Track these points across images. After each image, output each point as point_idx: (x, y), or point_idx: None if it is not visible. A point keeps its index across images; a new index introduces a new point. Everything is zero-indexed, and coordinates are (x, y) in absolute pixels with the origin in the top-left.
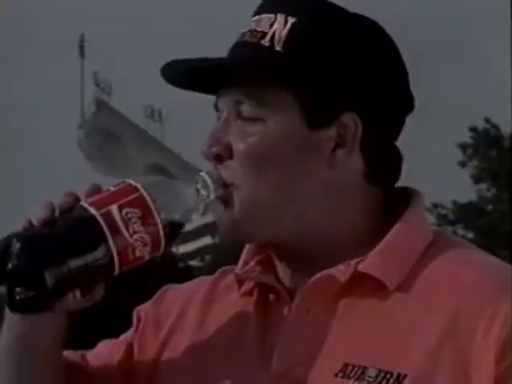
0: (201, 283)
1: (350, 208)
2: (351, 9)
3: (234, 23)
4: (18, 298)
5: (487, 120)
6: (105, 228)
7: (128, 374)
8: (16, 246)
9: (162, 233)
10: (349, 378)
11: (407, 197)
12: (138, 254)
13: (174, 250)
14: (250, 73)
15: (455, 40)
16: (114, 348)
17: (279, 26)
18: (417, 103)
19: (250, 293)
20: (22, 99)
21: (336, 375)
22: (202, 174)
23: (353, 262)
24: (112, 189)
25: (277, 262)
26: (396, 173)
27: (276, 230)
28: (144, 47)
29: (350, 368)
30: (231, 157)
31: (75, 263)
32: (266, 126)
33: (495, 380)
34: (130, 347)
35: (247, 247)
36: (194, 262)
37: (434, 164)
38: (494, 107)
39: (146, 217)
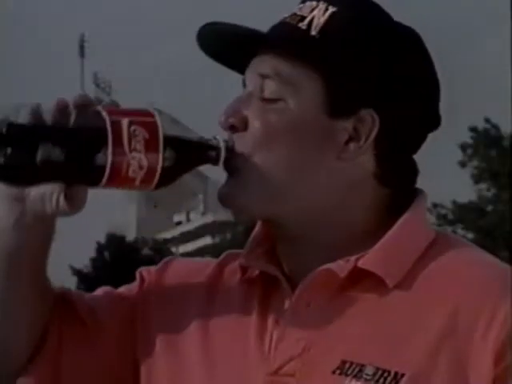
0: (208, 264)
1: (355, 203)
2: None
3: (234, 22)
4: (2, 161)
5: (487, 120)
6: (109, 134)
7: (125, 332)
8: (21, 114)
9: (160, 165)
10: (346, 376)
11: (411, 196)
12: (130, 173)
13: (173, 250)
14: (282, 49)
15: (455, 40)
16: (116, 302)
17: (319, 13)
18: None
19: (253, 281)
20: (22, 99)
21: (333, 372)
22: (218, 137)
23: (353, 258)
24: (130, 108)
25: (281, 255)
26: (408, 182)
27: (276, 208)
28: (144, 47)
29: (347, 365)
30: (245, 129)
31: (70, 153)
32: (286, 105)
33: (493, 381)
34: (132, 308)
35: (253, 235)
36: None
37: (434, 164)
38: (493, 107)
39: (151, 142)
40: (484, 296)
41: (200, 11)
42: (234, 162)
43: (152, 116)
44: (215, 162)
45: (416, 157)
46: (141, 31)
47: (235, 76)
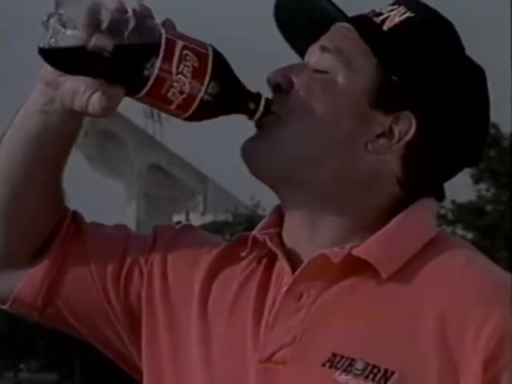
0: (219, 243)
1: (369, 198)
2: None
3: (234, 22)
4: (53, 42)
5: None
6: (162, 48)
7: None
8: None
9: (200, 96)
10: (336, 369)
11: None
12: (170, 94)
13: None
14: (350, 29)
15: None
16: (125, 250)
17: (396, 14)
18: None
19: (258, 263)
20: (22, 99)
21: (323, 365)
22: (262, 95)
23: (347, 246)
24: (188, 35)
25: (287, 236)
26: (428, 195)
27: (294, 173)
28: None
29: (338, 358)
30: (288, 92)
31: (121, 51)
32: (334, 79)
33: None
34: (139, 268)
35: (268, 217)
36: None
37: None
38: (493, 107)
39: (199, 72)
40: (475, 301)
41: (200, 11)
42: (267, 119)
43: (207, 49)
44: (252, 113)
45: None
46: None
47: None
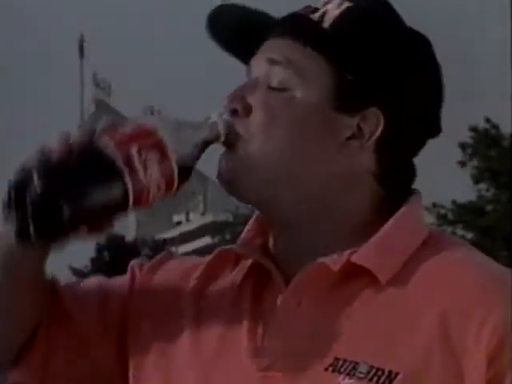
0: (199, 262)
1: (351, 199)
2: None
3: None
4: (31, 228)
5: (487, 120)
6: (124, 168)
7: (113, 329)
8: (34, 177)
9: (175, 173)
10: (339, 373)
11: (406, 195)
12: (151, 196)
13: (173, 250)
14: (293, 38)
15: (455, 40)
16: (107, 296)
17: (333, 6)
18: None
19: (246, 275)
20: (22, 99)
21: (326, 369)
22: (213, 115)
23: (346, 253)
24: (130, 128)
25: (276, 248)
26: (405, 184)
27: (273, 192)
28: (144, 47)
29: (340, 363)
30: (247, 116)
31: (91, 199)
32: (292, 95)
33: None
34: (122, 305)
35: (249, 226)
36: None
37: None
38: (494, 107)
39: (163, 160)
40: (475, 297)
41: (200, 11)
42: (233, 139)
43: (155, 132)
44: (217, 139)
45: (416, 156)
46: (141, 31)
47: (238, 76)
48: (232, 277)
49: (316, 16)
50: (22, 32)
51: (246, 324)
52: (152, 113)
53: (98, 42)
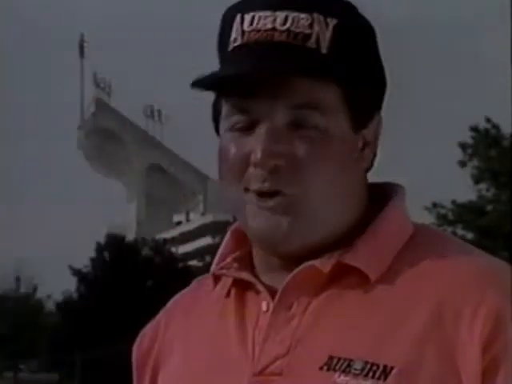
0: (177, 301)
1: (354, 204)
2: None
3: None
4: None
5: (488, 120)
6: None
7: None
8: None
9: None
10: (334, 371)
11: (390, 191)
12: None
13: (173, 250)
14: (299, 73)
15: (455, 40)
16: None
17: (321, 28)
18: (417, 103)
19: (227, 294)
20: (22, 99)
21: (321, 368)
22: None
23: (335, 254)
24: None
25: (256, 258)
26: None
27: (322, 232)
28: (144, 47)
29: (335, 361)
30: (294, 168)
31: None
32: (327, 134)
33: (483, 373)
34: None
35: (224, 244)
36: (193, 262)
37: (434, 164)
38: (494, 107)
39: None
40: (467, 289)
41: (200, 12)
42: (283, 205)
43: None
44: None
45: (416, 157)
46: (141, 31)
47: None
48: (216, 293)
49: (312, 43)
50: (22, 32)
51: (234, 333)
52: (152, 112)
53: (98, 42)
